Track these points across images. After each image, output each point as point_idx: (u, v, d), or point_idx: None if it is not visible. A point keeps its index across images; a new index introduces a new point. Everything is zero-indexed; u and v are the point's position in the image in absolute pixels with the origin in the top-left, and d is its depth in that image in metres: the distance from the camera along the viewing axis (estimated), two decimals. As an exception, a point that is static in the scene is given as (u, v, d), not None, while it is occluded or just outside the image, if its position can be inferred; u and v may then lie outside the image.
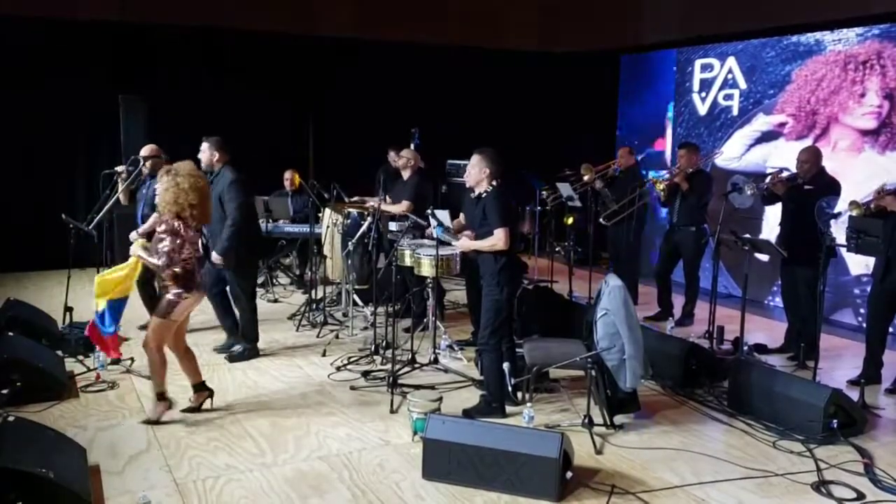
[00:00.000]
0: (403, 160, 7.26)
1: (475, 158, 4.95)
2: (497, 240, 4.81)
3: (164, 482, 4.08)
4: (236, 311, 6.25)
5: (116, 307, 5.02)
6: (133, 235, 6.41)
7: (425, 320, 6.63)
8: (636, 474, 4.26)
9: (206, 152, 6.02)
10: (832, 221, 5.53)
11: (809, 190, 5.89)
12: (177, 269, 4.61)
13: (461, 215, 5.39)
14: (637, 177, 8.07)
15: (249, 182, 6.04)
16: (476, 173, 4.94)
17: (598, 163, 8.83)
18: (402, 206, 6.95)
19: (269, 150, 10.04)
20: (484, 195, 4.93)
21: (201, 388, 5.01)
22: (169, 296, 4.68)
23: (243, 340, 6.18)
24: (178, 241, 4.62)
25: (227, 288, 6.18)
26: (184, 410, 4.95)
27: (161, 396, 4.86)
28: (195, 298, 4.80)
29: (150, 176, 6.46)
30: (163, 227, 4.66)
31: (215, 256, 5.84)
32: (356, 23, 10.83)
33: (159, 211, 4.77)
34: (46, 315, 6.40)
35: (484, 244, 4.92)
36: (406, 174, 7.23)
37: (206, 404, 5.03)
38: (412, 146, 7.83)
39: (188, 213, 4.65)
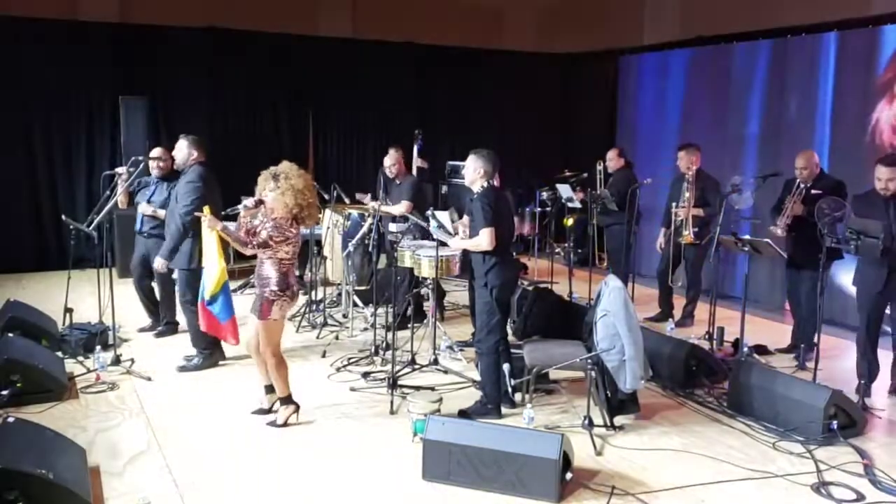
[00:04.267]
0: (395, 167, 7.22)
1: (470, 158, 5.04)
2: (481, 240, 4.87)
3: (163, 483, 4.08)
4: (183, 317, 6.21)
5: (227, 290, 4.91)
6: (144, 207, 6.39)
7: (424, 321, 6.63)
8: (636, 475, 4.26)
9: (182, 150, 5.95)
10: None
11: (817, 194, 5.85)
12: (274, 269, 4.66)
13: (465, 217, 5.42)
14: (631, 178, 8.05)
15: (213, 184, 5.90)
16: (471, 173, 5.03)
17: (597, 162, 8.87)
18: (401, 207, 6.95)
19: (270, 151, 10.04)
20: (475, 195, 4.98)
21: (273, 391, 4.99)
22: (267, 296, 4.66)
23: (196, 349, 5.95)
24: (280, 237, 4.64)
25: (176, 289, 6.10)
26: (254, 412, 4.98)
27: (287, 400, 4.84)
28: (291, 300, 4.79)
29: (157, 179, 6.46)
30: (272, 223, 4.66)
31: (158, 262, 5.80)
32: (356, 23, 10.85)
33: (273, 213, 4.72)
34: (46, 316, 6.39)
35: (470, 243, 5.01)
36: (398, 179, 7.21)
37: (276, 406, 5.01)
38: (416, 148, 7.83)
39: (306, 213, 4.70)
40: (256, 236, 4.66)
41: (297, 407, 4.89)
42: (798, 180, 6.15)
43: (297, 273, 8.61)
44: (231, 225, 4.87)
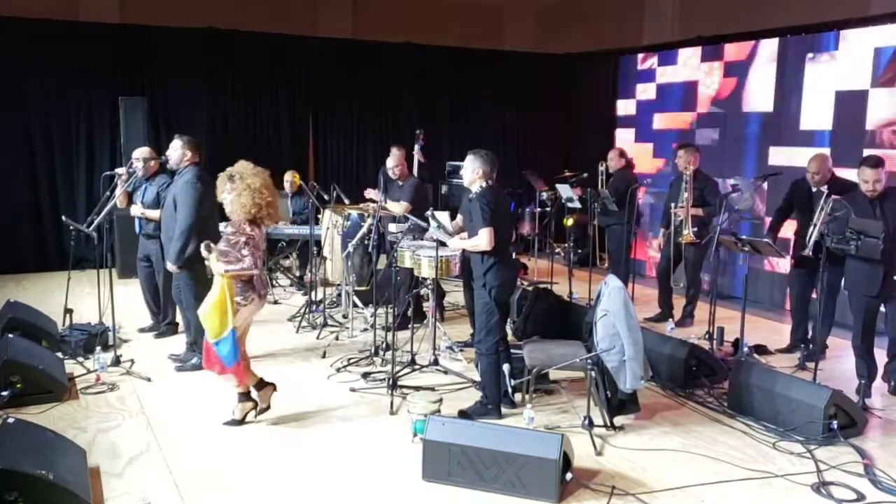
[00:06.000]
0: (398, 169, 7.22)
1: (469, 159, 5.03)
2: (480, 240, 4.86)
3: (164, 483, 4.08)
4: (182, 318, 6.19)
5: (233, 337, 4.54)
6: (135, 210, 6.37)
7: (424, 321, 6.63)
8: (636, 475, 4.26)
9: (177, 150, 5.95)
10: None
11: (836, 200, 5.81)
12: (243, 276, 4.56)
13: (458, 216, 5.42)
14: (630, 178, 8.05)
15: (210, 184, 5.94)
16: (469, 174, 5.02)
17: (597, 163, 8.86)
18: (400, 207, 6.95)
19: (269, 151, 10.07)
20: (473, 196, 4.98)
21: (248, 399, 4.88)
22: None
23: (196, 349, 5.84)
24: (252, 245, 4.55)
25: (173, 293, 6.08)
26: (226, 424, 4.84)
27: (245, 396, 4.84)
28: (256, 305, 4.70)
29: (144, 179, 6.45)
30: (231, 229, 4.58)
31: (170, 265, 5.73)
32: (356, 23, 10.86)
33: (232, 216, 4.64)
34: (46, 317, 6.38)
35: (469, 243, 5.00)
36: (400, 181, 7.22)
37: (250, 416, 4.88)
38: (416, 148, 7.83)
39: (265, 213, 4.59)
40: (240, 258, 4.53)
41: (256, 404, 4.86)
42: (813, 188, 6.09)
43: (291, 276, 8.60)
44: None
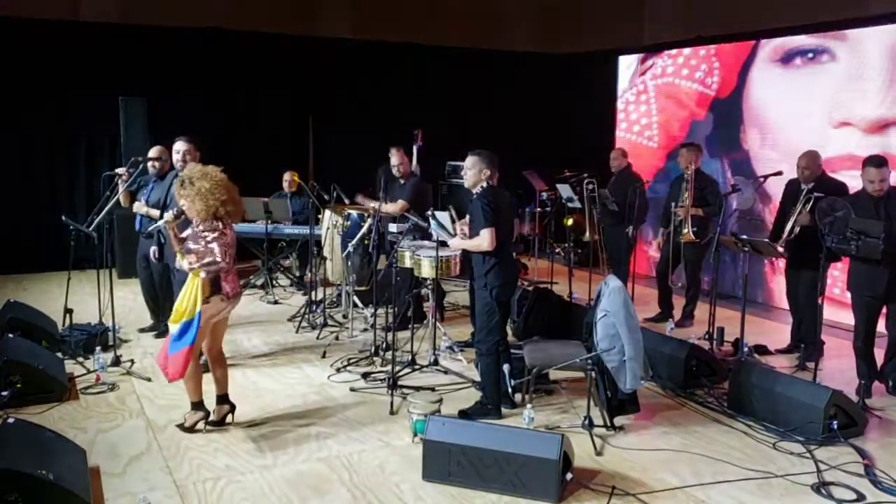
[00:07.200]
0: (402, 167, 7.24)
1: (471, 160, 5.01)
2: (482, 240, 4.86)
3: (164, 484, 4.08)
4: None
5: (191, 326, 4.44)
6: (138, 207, 6.36)
7: (424, 321, 6.63)
8: (636, 475, 4.26)
9: (178, 152, 5.98)
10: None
11: (819, 197, 5.83)
12: (204, 274, 4.44)
13: (467, 216, 5.42)
14: (632, 178, 8.05)
15: None
16: (473, 174, 4.99)
17: (598, 163, 8.84)
18: (397, 206, 6.96)
19: (269, 151, 10.06)
20: (475, 196, 4.98)
21: (223, 401, 4.83)
22: None
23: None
24: (223, 243, 4.46)
25: (175, 289, 6.03)
26: (209, 423, 4.78)
27: (197, 406, 4.73)
28: (224, 304, 4.59)
29: (155, 178, 6.45)
30: (202, 226, 4.49)
31: (177, 262, 5.72)
32: (356, 23, 10.86)
33: (197, 222, 4.54)
34: (47, 317, 6.39)
35: (470, 243, 5.00)
36: (402, 179, 7.24)
37: (227, 419, 4.83)
38: (415, 148, 7.83)
39: (223, 212, 4.51)
40: (205, 252, 4.44)
41: (207, 414, 4.75)
42: (802, 184, 6.11)
43: (291, 276, 8.58)
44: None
